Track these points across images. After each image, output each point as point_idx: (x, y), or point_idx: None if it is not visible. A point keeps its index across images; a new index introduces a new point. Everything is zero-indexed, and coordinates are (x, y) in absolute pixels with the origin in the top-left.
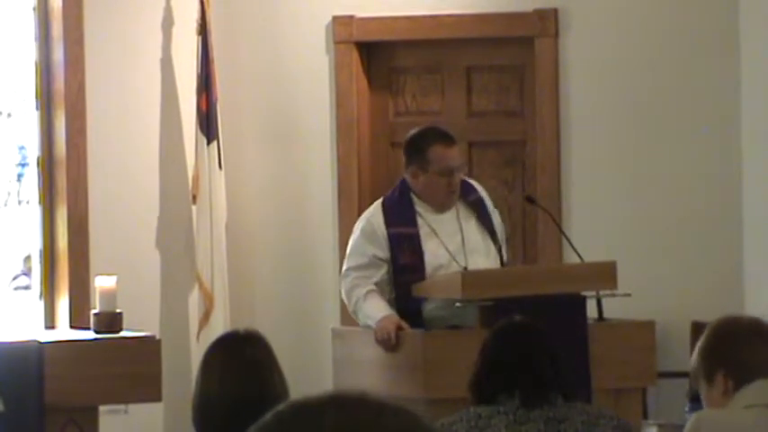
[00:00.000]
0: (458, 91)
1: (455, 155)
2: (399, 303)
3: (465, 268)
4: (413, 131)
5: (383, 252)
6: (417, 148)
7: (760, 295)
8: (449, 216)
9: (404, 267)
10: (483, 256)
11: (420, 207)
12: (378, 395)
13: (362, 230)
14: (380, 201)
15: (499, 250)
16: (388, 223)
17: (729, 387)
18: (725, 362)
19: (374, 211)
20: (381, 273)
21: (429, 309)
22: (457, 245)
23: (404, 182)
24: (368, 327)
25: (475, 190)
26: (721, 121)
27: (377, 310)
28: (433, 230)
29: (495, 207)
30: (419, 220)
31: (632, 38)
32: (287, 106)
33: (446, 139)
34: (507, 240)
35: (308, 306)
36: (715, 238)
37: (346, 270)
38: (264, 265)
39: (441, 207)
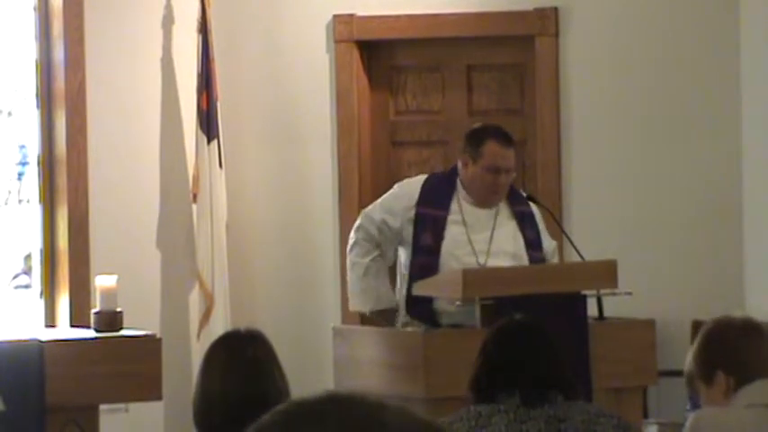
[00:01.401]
0: (458, 90)
1: (508, 156)
2: (411, 287)
3: (482, 267)
4: (476, 124)
5: (396, 222)
6: (474, 139)
7: (761, 294)
8: (486, 212)
9: (421, 247)
10: (507, 262)
11: (461, 195)
12: (376, 395)
13: (392, 193)
14: (425, 176)
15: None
16: (420, 201)
17: (731, 385)
18: (723, 360)
19: (413, 183)
20: (387, 238)
21: (440, 306)
22: (483, 242)
23: (455, 167)
24: (354, 289)
25: (528, 204)
26: (722, 119)
27: (378, 296)
28: (464, 220)
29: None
30: (453, 206)
31: (633, 37)
32: (287, 105)
33: (504, 138)
34: (553, 257)
35: (308, 305)
36: (716, 236)
37: (365, 213)
38: (265, 263)
39: (482, 202)
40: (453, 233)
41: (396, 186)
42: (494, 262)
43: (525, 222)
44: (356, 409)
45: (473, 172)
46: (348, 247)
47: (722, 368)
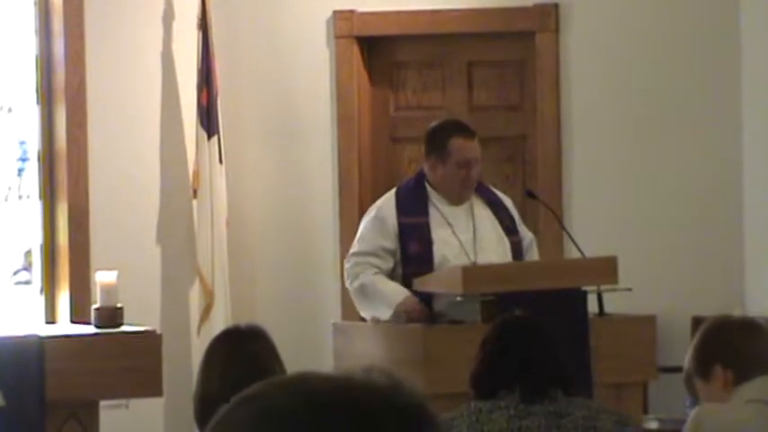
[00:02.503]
0: (458, 86)
1: (474, 147)
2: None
3: (474, 263)
4: (434, 123)
5: (391, 243)
6: (438, 140)
7: (761, 290)
8: (463, 209)
9: (412, 257)
10: (494, 254)
11: (435, 198)
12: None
13: (373, 219)
14: (395, 190)
15: (515, 249)
16: (399, 212)
17: (729, 378)
18: (721, 353)
19: (387, 200)
20: (387, 264)
21: (438, 306)
22: (468, 239)
23: (421, 173)
24: (373, 308)
25: (494, 193)
26: (722, 113)
27: (394, 291)
28: (446, 221)
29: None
30: (432, 211)
31: (633, 33)
32: (288, 101)
33: (466, 131)
34: (530, 248)
35: (308, 301)
36: (716, 233)
37: (351, 255)
38: (265, 259)
39: (457, 199)
40: (442, 236)
41: (372, 212)
42: (483, 256)
43: (498, 209)
44: (329, 380)
45: (443, 172)
46: (349, 282)
47: (720, 362)
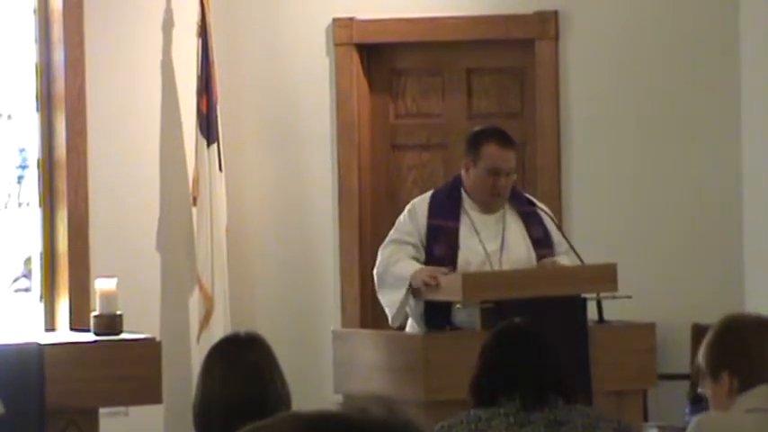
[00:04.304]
0: (458, 93)
1: (507, 158)
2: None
3: None
4: (477, 127)
5: (421, 241)
6: (474, 142)
7: (761, 298)
8: (494, 218)
9: (437, 260)
10: (519, 266)
11: (467, 204)
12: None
13: (407, 214)
14: (432, 191)
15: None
16: (431, 214)
17: (734, 387)
18: (730, 360)
19: (421, 200)
20: (420, 256)
21: (457, 313)
22: (495, 249)
23: (458, 176)
24: (395, 286)
25: (532, 203)
26: (721, 122)
27: (412, 266)
28: (475, 229)
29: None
30: (462, 216)
31: (632, 40)
32: (287, 108)
33: (503, 140)
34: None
35: (308, 308)
36: (716, 240)
37: (387, 242)
38: (265, 267)
39: (485, 206)
40: (468, 244)
41: (406, 209)
42: (508, 268)
43: (530, 222)
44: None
45: (474, 175)
46: (380, 268)
47: (728, 369)
